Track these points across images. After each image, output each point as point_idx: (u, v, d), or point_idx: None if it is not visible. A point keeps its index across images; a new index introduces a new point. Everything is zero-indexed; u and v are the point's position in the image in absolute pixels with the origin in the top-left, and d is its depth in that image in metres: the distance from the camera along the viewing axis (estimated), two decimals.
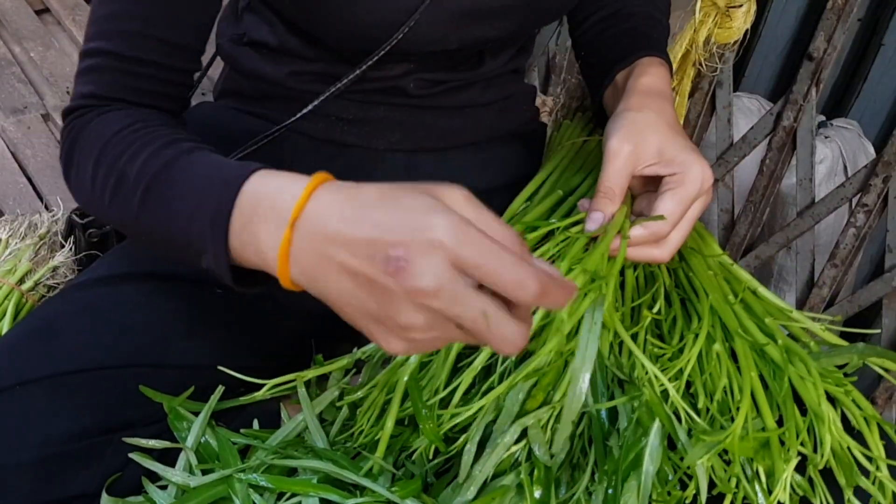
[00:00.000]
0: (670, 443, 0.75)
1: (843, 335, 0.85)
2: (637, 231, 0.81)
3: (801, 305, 1.58)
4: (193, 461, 0.80)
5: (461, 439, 0.76)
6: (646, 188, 0.87)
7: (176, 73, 0.84)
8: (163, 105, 0.84)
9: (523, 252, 0.56)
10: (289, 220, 0.60)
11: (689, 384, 0.78)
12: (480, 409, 0.76)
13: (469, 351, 0.81)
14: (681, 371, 0.75)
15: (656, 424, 0.72)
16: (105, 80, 0.82)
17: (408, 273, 0.54)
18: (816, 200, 1.52)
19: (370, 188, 0.59)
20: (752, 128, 1.57)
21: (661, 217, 0.80)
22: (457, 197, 0.57)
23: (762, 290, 0.85)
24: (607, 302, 0.75)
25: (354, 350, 0.85)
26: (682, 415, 0.75)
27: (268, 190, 0.63)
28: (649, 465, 0.71)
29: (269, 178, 0.65)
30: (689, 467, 0.73)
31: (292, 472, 0.79)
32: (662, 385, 0.74)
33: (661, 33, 1.04)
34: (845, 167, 1.78)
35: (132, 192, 0.72)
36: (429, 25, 0.87)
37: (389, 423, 0.77)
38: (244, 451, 0.82)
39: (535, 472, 0.74)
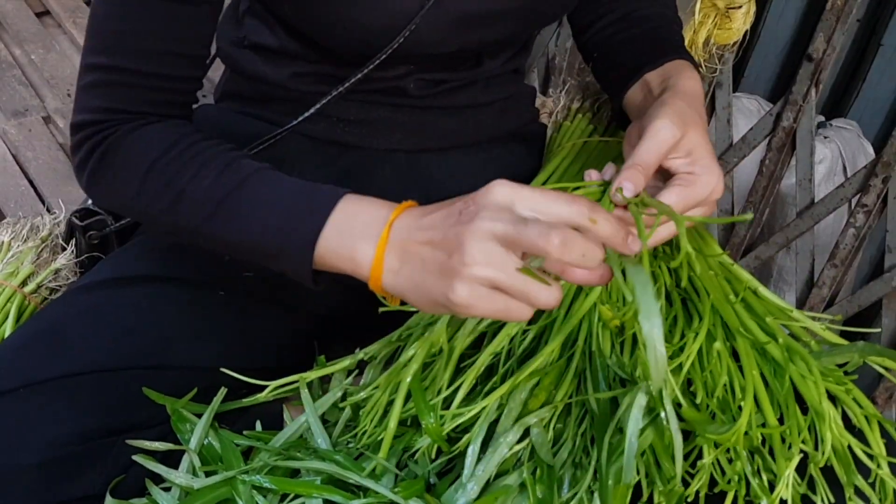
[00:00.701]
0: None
1: (843, 335, 0.85)
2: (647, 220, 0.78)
3: (800, 305, 1.58)
4: (197, 463, 0.80)
5: (464, 439, 0.76)
6: (654, 181, 0.84)
7: (182, 81, 0.87)
8: (174, 112, 0.86)
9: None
10: (387, 222, 0.71)
11: (689, 382, 0.78)
12: (483, 409, 0.76)
13: (471, 352, 0.81)
14: (680, 366, 0.75)
15: (639, 395, 0.71)
16: (112, 93, 0.84)
17: (473, 214, 0.65)
18: (816, 201, 1.52)
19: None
20: (751, 128, 1.58)
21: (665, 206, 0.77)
22: (502, 180, 0.67)
23: (762, 289, 0.85)
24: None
25: (357, 351, 0.86)
26: (685, 402, 0.75)
27: (363, 207, 0.74)
28: (633, 433, 0.71)
29: (362, 199, 0.75)
30: (691, 465, 0.73)
31: (295, 473, 0.79)
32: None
33: (679, 34, 1.04)
34: (845, 167, 1.78)
35: (199, 209, 0.79)
36: (429, 29, 0.87)
37: (392, 424, 0.77)
38: (247, 453, 0.83)
39: (538, 471, 0.74)
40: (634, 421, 0.70)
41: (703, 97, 0.89)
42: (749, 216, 0.78)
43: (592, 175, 0.81)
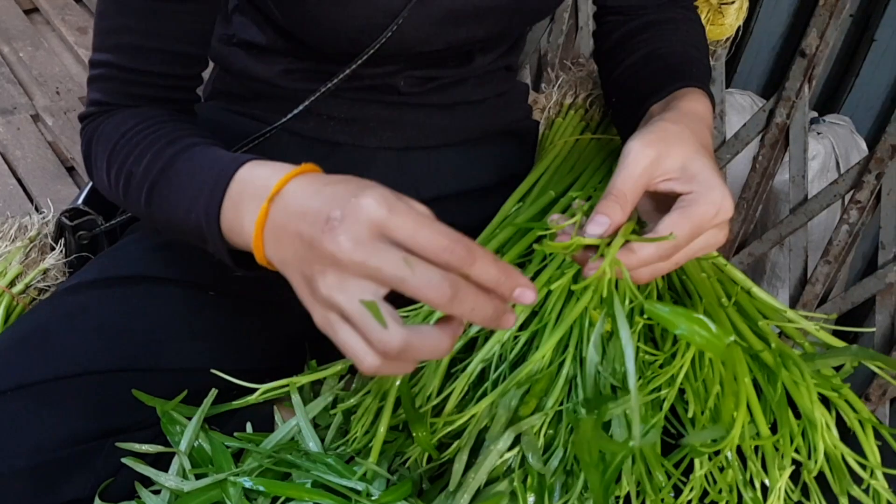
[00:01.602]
0: (665, 448, 0.74)
1: (837, 333, 0.84)
2: (645, 249, 0.69)
3: (794, 302, 1.58)
4: (187, 465, 0.79)
5: (454, 445, 0.76)
6: (656, 210, 0.76)
7: (180, 79, 0.87)
8: (171, 107, 0.87)
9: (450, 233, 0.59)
10: (267, 197, 0.65)
11: (681, 391, 0.77)
12: (473, 416, 0.76)
13: (463, 356, 0.81)
14: (673, 378, 0.74)
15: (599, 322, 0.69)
16: (112, 88, 0.86)
17: (334, 232, 0.58)
18: (809, 197, 1.52)
19: (345, 176, 0.64)
20: (744, 125, 1.58)
21: (668, 237, 0.69)
22: (419, 206, 0.61)
23: (756, 289, 0.84)
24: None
25: None
26: (684, 412, 0.74)
27: (255, 176, 0.69)
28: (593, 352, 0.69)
29: (258, 166, 0.70)
30: (683, 474, 0.73)
31: (286, 475, 0.79)
32: (654, 390, 0.74)
33: (701, 70, 0.94)
34: (838, 163, 1.78)
35: (139, 191, 0.78)
36: (414, 27, 0.87)
37: (382, 429, 0.76)
38: (238, 455, 0.82)
39: (529, 478, 0.74)
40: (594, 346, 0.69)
41: (710, 118, 0.81)
42: (671, 236, 0.69)
43: (556, 218, 0.73)
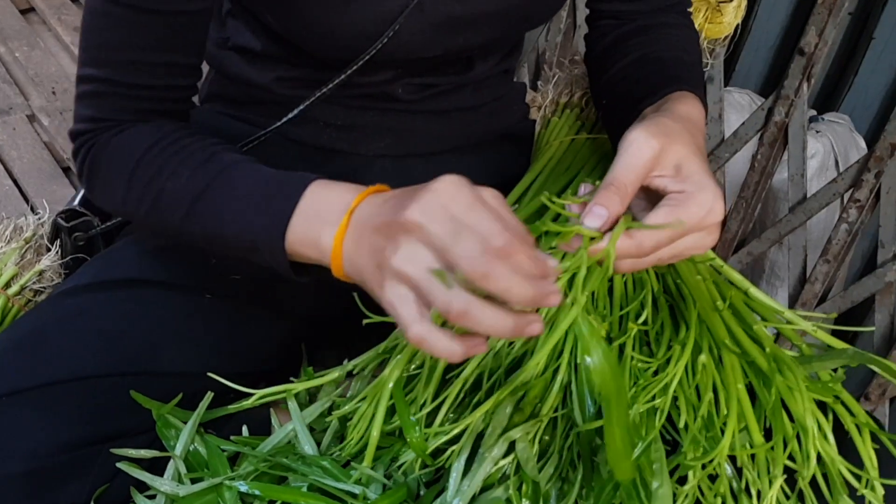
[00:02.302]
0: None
1: (836, 333, 0.84)
2: (623, 242, 0.68)
3: (793, 301, 1.58)
4: (182, 470, 0.79)
5: (448, 451, 0.75)
6: (645, 203, 0.75)
7: (175, 90, 0.86)
8: (168, 118, 0.86)
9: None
10: (347, 210, 0.69)
11: (674, 397, 0.77)
12: (468, 426, 0.75)
13: (458, 363, 0.80)
14: (666, 387, 0.74)
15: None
16: (105, 104, 0.84)
17: (409, 206, 0.62)
18: (808, 196, 1.51)
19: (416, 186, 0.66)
20: (743, 123, 1.57)
21: (672, 224, 0.69)
22: (454, 175, 0.64)
23: (753, 290, 0.83)
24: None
25: (345, 362, 0.84)
26: (682, 417, 0.74)
27: (330, 193, 0.72)
28: None
29: (329, 186, 0.73)
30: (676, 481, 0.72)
31: (282, 479, 0.78)
32: (648, 399, 0.73)
33: (694, 75, 0.93)
34: (837, 162, 1.78)
35: (176, 206, 0.79)
36: (410, 34, 0.86)
37: (375, 433, 0.76)
38: (234, 459, 0.81)
39: (524, 486, 0.73)
40: None
41: (703, 123, 0.80)
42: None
43: (586, 189, 0.73)
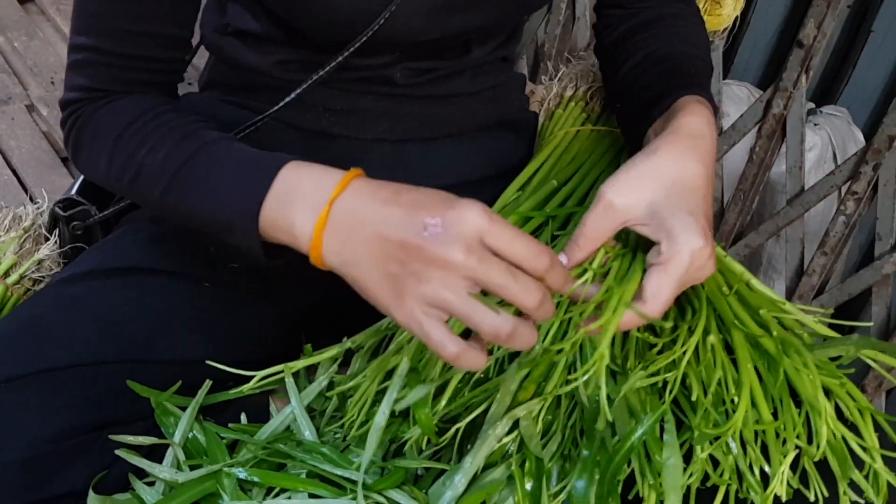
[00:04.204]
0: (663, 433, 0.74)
1: (832, 326, 0.84)
2: (627, 317, 0.72)
3: (790, 294, 1.58)
4: (181, 457, 0.79)
5: (451, 429, 0.76)
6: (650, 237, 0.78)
7: (165, 62, 0.88)
8: (157, 90, 0.88)
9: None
10: (327, 200, 0.68)
11: (684, 376, 0.77)
12: (474, 397, 0.76)
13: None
14: (676, 361, 0.74)
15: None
16: (96, 73, 0.86)
17: (441, 238, 0.63)
18: (806, 188, 1.52)
19: (405, 185, 0.69)
20: (741, 116, 1.57)
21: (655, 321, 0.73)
22: (478, 203, 0.66)
23: (754, 281, 0.84)
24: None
25: (344, 340, 0.85)
26: (683, 398, 0.74)
27: (304, 176, 0.72)
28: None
29: (303, 167, 0.73)
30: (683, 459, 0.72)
31: (282, 466, 0.78)
32: (656, 377, 0.74)
33: (702, 70, 0.95)
34: (835, 155, 1.78)
35: (153, 183, 0.79)
36: (407, 16, 0.86)
37: (380, 420, 0.76)
38: (233, 446, 0.82)
39: (527, 463, 0.74)
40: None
41: (709, 133, 0.80)
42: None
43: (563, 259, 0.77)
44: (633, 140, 0.91)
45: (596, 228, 0.75)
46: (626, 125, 0.96)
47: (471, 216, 0.64)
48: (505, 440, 0.75)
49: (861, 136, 1.84)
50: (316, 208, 0.69)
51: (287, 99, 0.92)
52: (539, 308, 0.65)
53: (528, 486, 0.73)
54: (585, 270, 0.75)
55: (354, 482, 0.75)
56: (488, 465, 0.76)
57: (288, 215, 0.71)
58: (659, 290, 0.72)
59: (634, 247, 0.79)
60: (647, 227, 0.75)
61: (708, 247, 0.73)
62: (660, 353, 0.76)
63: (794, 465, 0.75)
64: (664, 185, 0.75)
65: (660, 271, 0.73)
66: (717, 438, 0.72)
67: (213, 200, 0.76)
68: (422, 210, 0.65)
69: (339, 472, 0.75)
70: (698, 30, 1.00)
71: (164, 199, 0.79)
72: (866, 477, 0.74)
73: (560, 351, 0.72)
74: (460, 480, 0.74)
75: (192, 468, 0.78)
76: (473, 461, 0.74)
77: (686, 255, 0.72)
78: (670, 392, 0.73)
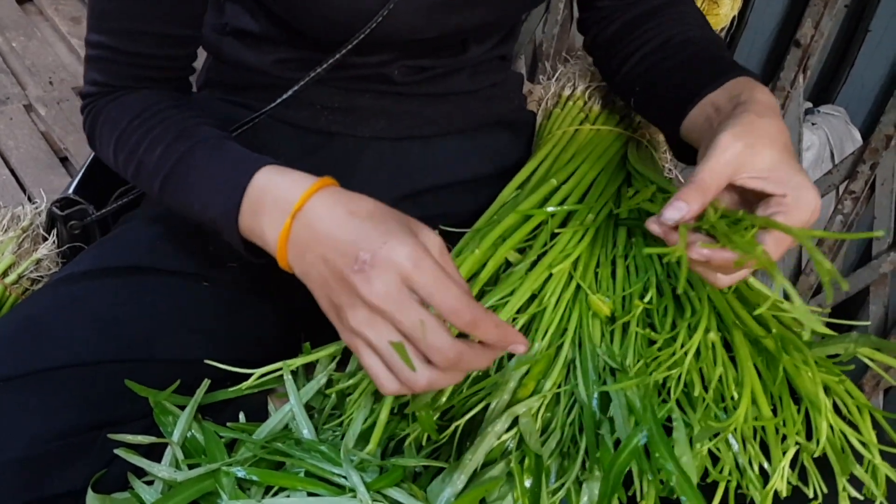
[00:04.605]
0: (666, 431, 0.74)
1: (831, 325, 0.85)
2: (724, 254, 0.69)
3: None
4: (180, 456, 0.79)
5: (451, 427, 0.76)
6: (741, 205, 0.77)
7: (175, 60, 0.90)
8: (167, 87, 0.91)
9: (468, 293, 0.65)
10: (291, 212, 0.71)
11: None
12: (473, 394, 0.76)
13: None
14: (680, 359, 0.74)
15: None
16: (109, 69, 0.89)
17: (365, 276, 0.64)
18: None
19: (366, 202, 0.69)
20: None
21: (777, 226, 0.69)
22: (432, 238, 0.67)
23: (752, 280, 0.84)
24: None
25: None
26: (683, 395, 0.75)
27: (274, 184, 0.74)
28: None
29: (275, 173, 0.74)
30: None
31: (280, 464, 0.78)
32: (654, 374, 0.74)
33: (730, 54, 0.95)
34: (832, 154, 1.78)
35: (151, 180, 0.83)
36: (405, 14, 0.86)
37: (383, 416, 0.76)
38: (231, 445, 0.82)
39: (526, 460, 0.74)
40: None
41: (778, 108, 0.79)
42: (881, 233, 0.70)
43: (654, 227, 0.73)
44: (672, 116, 0.89)
45: (716, 174, 0.72)
46: (659, 104, 0.94)
47: (397, 258, 0.64)
48: (504, 437, 0.75)
49: (858, 136, 1.84)
50: (282, 217, 0.71)
51: (284, 96, 0.92)
52: (444, 372, 0.65)
53: (528, 483, 0.73)
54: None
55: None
56: (487, 462, 0.76)
57: (259, 221, 0.74)
58: (782, 236, 0.70)
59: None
60: (766, 180, 0.72)
61: (819, 208, 0.72)
62: (660, 349, 0.76)
63: (792, 464, 0.75)
64: (780, 146, 0.74)
65: (784, 217, 0.71)
66: (716, 435, 0.73)
67: (200, 200, 0.79)
68: (361, 241, 0.66)
69: (338, 470, 0.75)
70: (699, 14, 1.01)
71: (162, 195, 0.83)
72: (865, 473, 0.75)
73: (560, 346, 0.73)
74: (460, 477, 0.74)
75: (190, 467, 0.78)
76: (473, 458, 0.74)
77: (809, 205, 0.71)
78: (673, 391, 0.74)
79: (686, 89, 0.87)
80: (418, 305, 0.64)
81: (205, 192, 0.79)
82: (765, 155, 0.72)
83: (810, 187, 0.72)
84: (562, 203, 0.92)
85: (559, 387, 0.77)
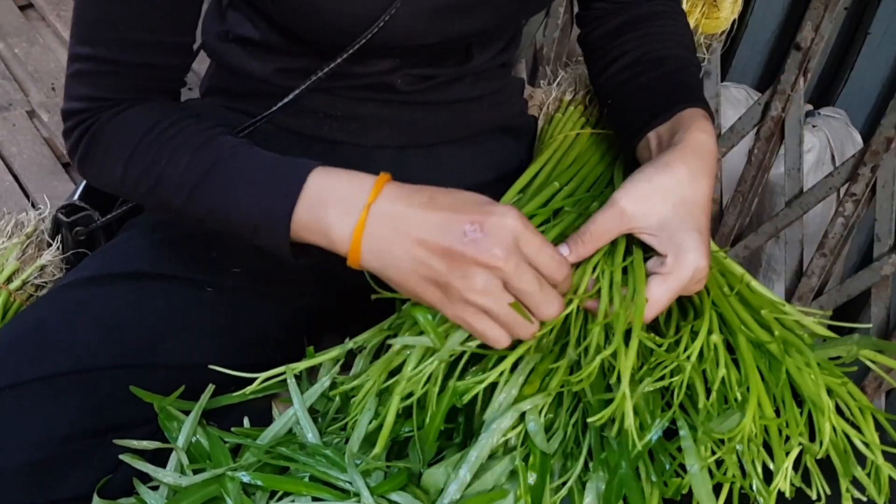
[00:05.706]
0: (668, 432, 0.75)
1: (833, 328, 0.85)
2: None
3: (789, 295, 1.58)
4: (185, 461, 0.79)
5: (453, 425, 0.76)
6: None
7: (168, 69, 0.88)
8: (161, 97, 0.88)
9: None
10: (363, 207, 0.72)
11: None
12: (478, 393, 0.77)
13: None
14: (682, 364, 0.75)
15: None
16: (101, 82, 0.86)
17: (479, 244, 0.68)
18: (805, 190, 1.52)
19: (430, 187, 0.73)
20: (739, 118, 1.58)
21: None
22: (513, 208, 0.71)
23: (754, 283, 0.85)
24: None
25: (346, 340, 0.85)
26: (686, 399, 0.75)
27: (336, 181, 0.75)
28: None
29: (333, 172, 0.76)
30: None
31: (285, 469, 0.79)
32: (662, 376, 0.74)
33: (697, 77, 0.98)
34: (833, 156, 1.78)
35: (176, 192, 0.81)
36: (407, 19, 0.86)
37: (390, 418, 0.76)
38: (236, 450, 0.82)
39: (531, 457, 0.74)
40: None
41: (713, 142, 0.84)
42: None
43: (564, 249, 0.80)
44: (626, 139, 0.94)
45: (603, 230, 0.78)
46: (620, 123, 0.98)
47: (508, 222, 0.69)
48: (509, 434, 0.75)
49: (859, 138, 1.84)
50: (353, 212, 0.72)
51: (284, 101, 0.92)
52: (552, 316, 0.72)
53: (532, 479, 0.74)
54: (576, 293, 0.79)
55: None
56: (490, 457, 0.76)
57: (324, 218, 0.74)
58: (659, 299, 0.76)
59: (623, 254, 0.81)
60: (655, 238, 0.78)
61: (707, 266, 0.78)
62: (667, 351, 0.77)
63: (795, 465, 0.75)
64: (677, 201, 0.78)
65: (661, 281, 0.77)
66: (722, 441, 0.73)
67: (241, 205, 0.78)
68: (460, 215, 0.70)
69: (343, 475, 0.75)
70: (686, 30, 1.03)
71: (186, 206, 0.81)
72: (868, 475, 0.75)
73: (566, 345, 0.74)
74: (465, 472, 0.74)
75: (195, 472, 0.78)
76: (479, 454, 0.74)
77: (689, 270, 0.77)
78: (677, 395, 0.74)
79: (641, 117, 0.91)
80: (529, 266, 0.70)
81: (247, 195, 0.78)
82: (657, 210, 0.78)
83: (694, 248, 0.77)
84: (562, 207, 0.92)
85: (563, 386, 0.77)
